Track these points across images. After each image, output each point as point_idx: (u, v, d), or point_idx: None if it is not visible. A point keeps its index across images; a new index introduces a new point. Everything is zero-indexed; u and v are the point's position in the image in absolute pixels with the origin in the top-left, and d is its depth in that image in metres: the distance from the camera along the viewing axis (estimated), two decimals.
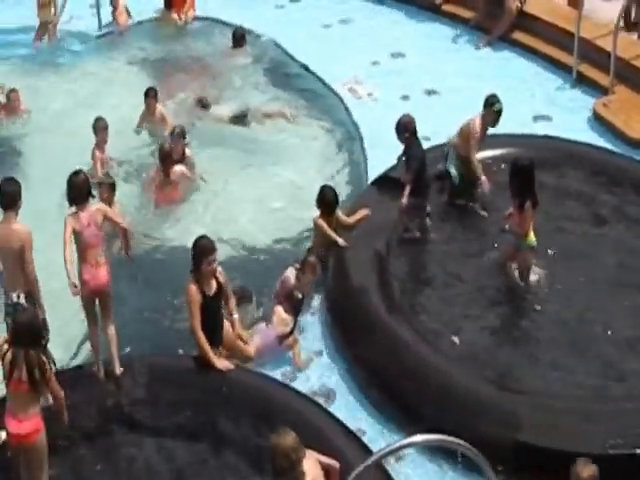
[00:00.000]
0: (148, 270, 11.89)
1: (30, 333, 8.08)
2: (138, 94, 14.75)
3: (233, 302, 9.88)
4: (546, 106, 14.67)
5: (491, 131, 12.80)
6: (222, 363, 9.37)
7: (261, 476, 8.57)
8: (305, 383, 9.96)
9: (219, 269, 9.48)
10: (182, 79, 16.80)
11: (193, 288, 9.25)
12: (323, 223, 11.31)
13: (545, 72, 15.66)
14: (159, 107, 14.55)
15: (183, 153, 13.56)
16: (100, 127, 13.44)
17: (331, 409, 9.42)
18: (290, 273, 10.71)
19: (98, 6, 18.36)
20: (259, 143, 14.55)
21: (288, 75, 16.70)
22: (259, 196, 13.27)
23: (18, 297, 9.37)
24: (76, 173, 9.39)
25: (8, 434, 8.21)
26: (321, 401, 9.58)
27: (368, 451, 8.48)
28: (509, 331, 10.44)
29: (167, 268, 11.96)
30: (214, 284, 9.42)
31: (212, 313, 9.45)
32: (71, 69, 17.21)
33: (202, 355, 9.38)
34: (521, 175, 10.67)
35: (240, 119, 15.25)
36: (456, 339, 10.03)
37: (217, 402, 9.30)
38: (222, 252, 10.97)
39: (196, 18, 18.74)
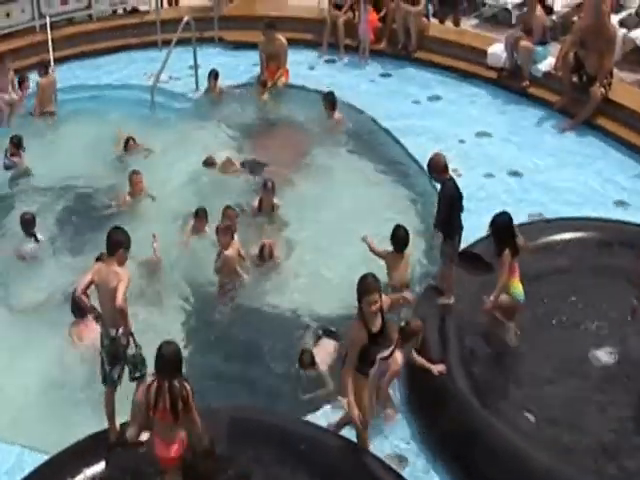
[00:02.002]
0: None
1: (174, 364, 8.42)
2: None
3: None
4: (627, 193, 14.54)
5: (571, 214, 12.89)
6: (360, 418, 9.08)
7: None
8: (379, 445, 9.87)
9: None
10: (271, 142, 17.22)
11: (356, 325, 8.97)
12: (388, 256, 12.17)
13: (628, 159, 15.56)
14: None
15: (273, 206, 14.06)
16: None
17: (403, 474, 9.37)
18: None
19: (196, 68, 18.87)
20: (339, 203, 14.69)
21: (378, 147, 16.87)
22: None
23: (117, 332, 9.49)
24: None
25: (156, 457, 8.66)
26: (394, 465, 9.51)
27: None
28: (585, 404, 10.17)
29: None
30: (379, 322, 9.02)
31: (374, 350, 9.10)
32: (167, 128, 17.65)
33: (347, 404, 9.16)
34: (499, 228, 10.86)
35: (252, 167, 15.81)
36: (531, 416, 9.85)
37: (290, 459, 9.23)
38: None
39: (288, 86, 19.12)
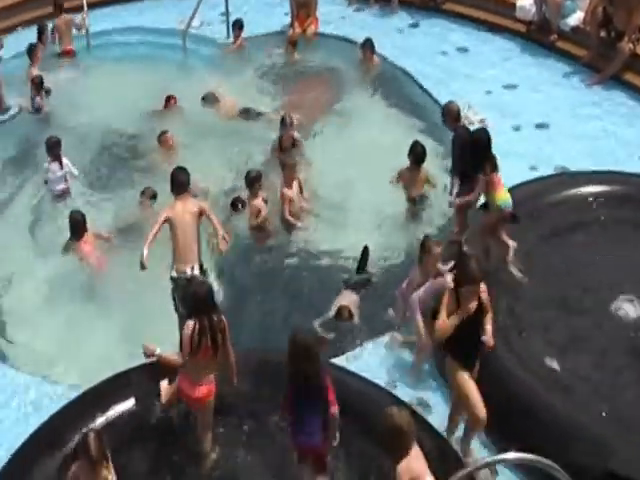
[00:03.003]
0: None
1: (210, 301, 8.57)
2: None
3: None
4: None
5: (593, 167, 12.93)
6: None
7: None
8: (406, 391, 9.97)
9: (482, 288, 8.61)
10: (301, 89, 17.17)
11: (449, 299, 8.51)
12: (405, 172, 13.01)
13: None
14: None
15: (294, 141, 14.11)
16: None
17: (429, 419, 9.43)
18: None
19: (227, 14, 18.78)
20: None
21: (406, 95, 16.81)
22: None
23: (192, 269, 10.39)
24: None
25: (187, 398, 8.76)
26: (419, 410, 9.54)
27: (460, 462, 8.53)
28: (611, 361, 10.12)
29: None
30: (474, 305, 8.49)
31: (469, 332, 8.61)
32: (198, 72, 17.62)
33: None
34: (479, 143, 11.00)
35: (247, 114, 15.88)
36: (556, 364, 9.87)
37: None
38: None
39: (318, 34, 19.04)
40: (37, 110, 16.10)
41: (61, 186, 13.69)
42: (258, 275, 12.36)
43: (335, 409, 8.13)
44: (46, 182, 13.74)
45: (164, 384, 9.29)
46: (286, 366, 8.09)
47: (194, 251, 10.53)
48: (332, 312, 11.21)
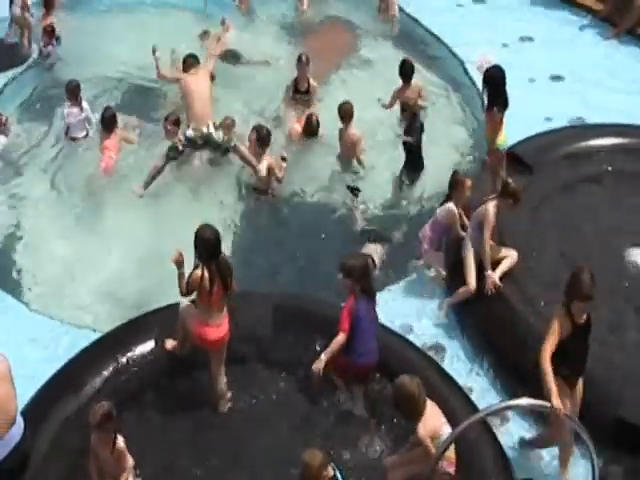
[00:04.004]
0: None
1: (217, 245, 8.47)
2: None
3: None
4: None
5: (610, 120, 12.84)
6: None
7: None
8: (420, 336, 10.01)
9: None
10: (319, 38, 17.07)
11: (560, 313, 7.88)
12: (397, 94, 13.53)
13: None
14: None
15: (309, 84, 13.97)
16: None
17: (442, 364, 9.46)
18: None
19: None
20: None
21: (421, 45, 16.75)
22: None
23: (208, 127, 12.62)
24: None
25: (209, 341, 8.70)
26: (432, 355, 9.60)
27: (475, 407, 8.51)
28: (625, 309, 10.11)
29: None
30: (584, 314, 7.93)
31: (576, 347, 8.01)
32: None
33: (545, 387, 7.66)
34: (491, 81, 10.93)
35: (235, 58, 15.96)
36: None
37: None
38: None
39: None
40: (46, 56, 16.00)
41: (83, 132, 13.63)
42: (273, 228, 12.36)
43: None
44: (67, 129, 13.63)
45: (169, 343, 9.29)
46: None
47: (209, 111, 12.89)
48: None
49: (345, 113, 12.65)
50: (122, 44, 16.17)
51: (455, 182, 10.51)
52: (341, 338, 8.67)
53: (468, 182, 10.52)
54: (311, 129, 13.24)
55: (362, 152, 12.79)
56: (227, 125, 12.81)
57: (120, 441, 7.77)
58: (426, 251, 10.74)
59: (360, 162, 12.79)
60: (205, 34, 16.05)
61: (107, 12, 17.82)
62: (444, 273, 10.77)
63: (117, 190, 12.54)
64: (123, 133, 13.27)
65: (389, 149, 13.28)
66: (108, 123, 13.03)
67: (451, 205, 10.46)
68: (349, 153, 12.83)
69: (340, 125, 12.82)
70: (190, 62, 13.52)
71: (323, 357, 8.73)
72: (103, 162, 12.76)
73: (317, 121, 13.23)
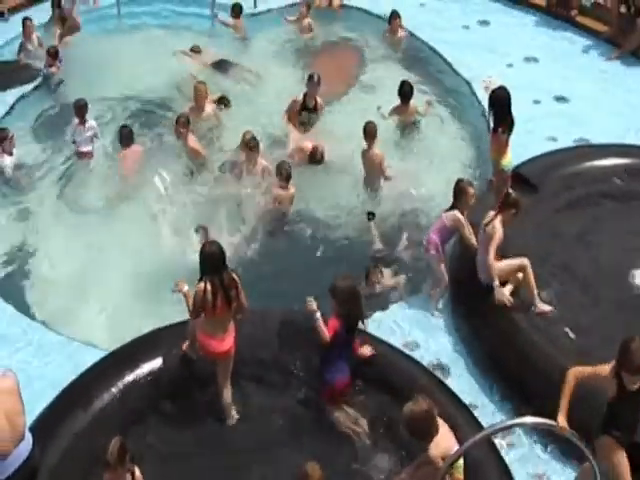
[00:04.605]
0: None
1: (220, 260, 8.55)
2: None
3: None
4: None
5: (614, 141, 12.85)
6: None
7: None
8: (426, 354, 9.98)
9: None
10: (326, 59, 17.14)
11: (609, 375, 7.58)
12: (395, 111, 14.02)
13: None
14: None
15: (316, 102, 14.09)
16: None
17: (448, 382, 9.38)
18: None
19: None
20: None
21: (428, 66, 16.79)
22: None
23: None
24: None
25: (211, 353, 8.79)
26: (438, 374, 9.55)
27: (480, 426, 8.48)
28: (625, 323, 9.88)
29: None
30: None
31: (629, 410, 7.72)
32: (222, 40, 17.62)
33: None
34: (497, 103, 10.98)
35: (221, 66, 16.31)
36: (571, 333, 9.79)
37: None
38: None
39: (343, 6, 18.93)
40: (49, 77, 16.17)
41: (88, 148, 13.85)
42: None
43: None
44: (74, 142, 13.87)
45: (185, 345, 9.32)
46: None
47: None
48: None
49: (369, 133, 12.61)
50: (127, 64, 16.30)
51: (459, 190, 10.55)
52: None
53: (471, 190, 10.58)
54: (316, 160, 13.29)
55: (387, 169, 12.75)
56: (247, 141, 12.89)
57: (137, 471, 7.71)
58: (432, 256, 10.72)
59: (388, 178, 12.72)
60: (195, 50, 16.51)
61: (114, 32, 17.97)
62: (447, 278, 10.76)
63: (125, 205, 12.62)
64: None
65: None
66: (126, 138, 13.40)
67: (456, 212, 10.51)
68: (373, 172, 12.78)
69: (362, 144, 12.77)
70: None
71: None
72: (125, 164, 13.26)
73: (322, 153, 13.27)
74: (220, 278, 8.50)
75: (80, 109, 13.74)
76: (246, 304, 8.79)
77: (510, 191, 10.32)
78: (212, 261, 8.50)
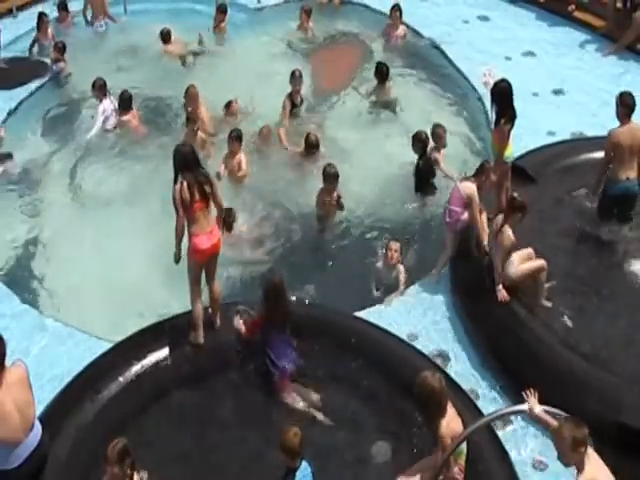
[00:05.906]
0: None
1: (193, 158, 9.11)
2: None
3: None
4: None
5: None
6: None
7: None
8: (426, 343, 9.96)
9: None
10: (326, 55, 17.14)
11: None
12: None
13: None
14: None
15: (301, 98, 14.36)
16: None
17: (448, 371, 9.40)
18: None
19: None
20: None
21: (428, 61, 16.76)
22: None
23: None
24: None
25: (203, 250, 9.12)
26: (438, 362, 9.56)
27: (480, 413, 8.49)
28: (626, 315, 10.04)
29: None
30: None
31: None
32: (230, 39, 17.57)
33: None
34: (499, 95, 10.90)
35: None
36: (569, 322, 9.80)
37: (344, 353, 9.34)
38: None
39: (343, 2, 18.88)
40: (57, 73, 16.11)
41: (114, 123, 14.40)
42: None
43: None
44: (104, 121, 14.33)
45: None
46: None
47: None
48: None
49: (438, 137, 12.62)
50: (132, 60, 16.58)
51: (484, 170, 10.75)
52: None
53: (494, 177, 10.80)
54: (311, 147, 13.15)
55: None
56: (265, 134, 13.37)
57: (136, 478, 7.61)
58: (447, 223, 10.84)
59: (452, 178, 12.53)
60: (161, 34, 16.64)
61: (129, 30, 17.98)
62: (450, 253, 10.88)
63: (133, 200, 12.65)
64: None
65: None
66: (127, 102, 14.25)
67: (470, 183, 10.66)
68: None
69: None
70: None
71: None
72: (132, 125, 14.21)
73: (316, 138, 13.17)
74: (194, 175, 8.97)
75: (100, 88, 14.38)
76: (222, 201, 9.29)
77: (515, 195, 10.32)
78: (185, 159, 9.03)
